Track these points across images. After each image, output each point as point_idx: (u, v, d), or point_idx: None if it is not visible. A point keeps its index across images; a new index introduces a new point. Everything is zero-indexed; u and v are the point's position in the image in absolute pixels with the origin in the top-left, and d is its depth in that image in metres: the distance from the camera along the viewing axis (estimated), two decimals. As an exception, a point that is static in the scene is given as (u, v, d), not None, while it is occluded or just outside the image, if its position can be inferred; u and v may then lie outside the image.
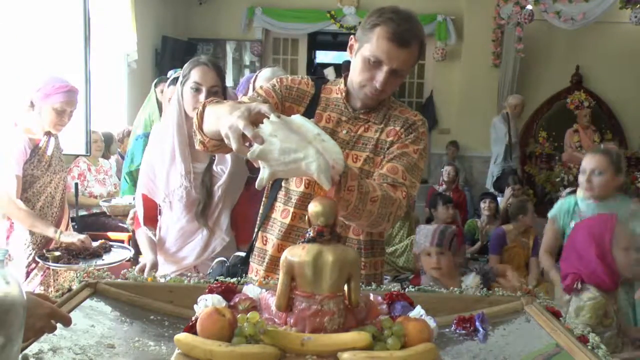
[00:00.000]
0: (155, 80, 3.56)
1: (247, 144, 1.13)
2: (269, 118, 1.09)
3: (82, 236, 2.58)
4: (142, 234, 2.15)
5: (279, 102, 1.57)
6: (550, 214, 2.84)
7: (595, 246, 2.16)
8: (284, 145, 1.04)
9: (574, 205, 2.71)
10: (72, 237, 2.57)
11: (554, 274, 2.74)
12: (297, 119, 1.10)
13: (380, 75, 1.48)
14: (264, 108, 1.13)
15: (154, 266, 2.06)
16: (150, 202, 2.14)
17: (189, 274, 1.66)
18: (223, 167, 2.09)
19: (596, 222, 2.31)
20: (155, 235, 2.14)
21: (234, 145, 1.12)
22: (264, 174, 1.07)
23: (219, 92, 2.04)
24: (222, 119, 1.17)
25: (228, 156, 2.09)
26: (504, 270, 3.66)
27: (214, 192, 2.08)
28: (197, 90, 2.02)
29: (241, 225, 2.20)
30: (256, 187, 1.10)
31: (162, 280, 1.41)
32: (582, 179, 2.64)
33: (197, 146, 1.48)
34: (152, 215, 2.16)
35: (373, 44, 1.46)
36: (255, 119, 1.13)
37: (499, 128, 6.38)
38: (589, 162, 2.63)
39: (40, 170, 2.61)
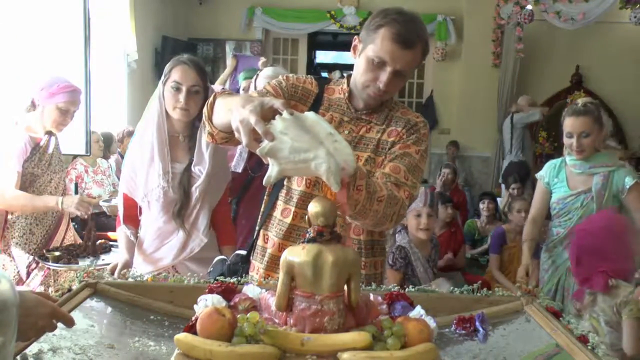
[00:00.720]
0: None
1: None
2: (281, 114, 1.08)
3: (85, 204, 2.50)
4: (121, 233, 2.15)
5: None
6: (537, 174, 2.83)
7: (612, 242, 2.17)
8: (294, 144, 1.03)
9: (561, 161, 2.71)
10: (73, 203, 2.49)
11: (525, 248, 2.69)
12: (311, 116, 1.08)
13: (384, 76, 1.48)
14: (277, 104, 1.12)
15: (126, 266, 2.05)
16: (130, 200, 2.14)
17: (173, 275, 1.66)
18: (201, 168, 2.08)
19: (600, 220, 2.32)
20: (133, 234, 2.14)
21: (244, 140, 1.11)
22: (272, 171, 1.06)
23: (199, 92, 2.04)
24: (234, 112, 1.15)
25: (207, 157, 2.08)
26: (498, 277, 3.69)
27: (191, 193, 2.07)
28: (177, 89, 2.01)
29: (223, 226, 2.20)
30: (264, 184, 1.09)
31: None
32: (569, 142, 2.60)
33: (206, 138, 1.48)
34: (132, 214, 2.16)
35: (377, 45, 1.46)
36: (267, 114, 1.11)
37: (506, 126, 6.53)
38: (574, 125, 2.58)
39: (41, 169, 2.61)
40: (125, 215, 2.15)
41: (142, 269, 2.03)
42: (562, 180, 2.66)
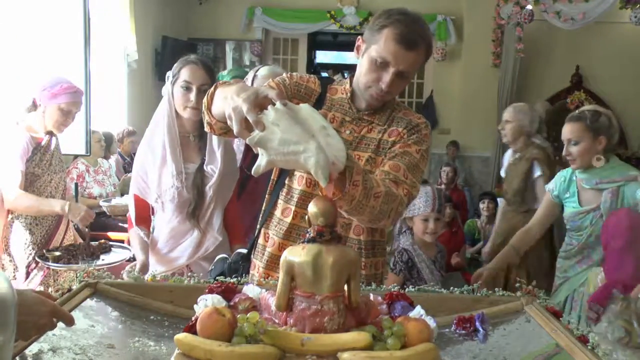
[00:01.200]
0: None
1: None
2: (274, 104, 1.08)
3: (89, 218, 2.56)
4: (134, 235, 2.15)
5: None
6: (546, 186, 2.68)
7: None
8: (284, 135, 1.02)
9: (571, 174, 2.54)
10: (79, 215, 2.54)
11: (500, 253, 2.57)
12: (305, 108, 1.07)
13: (387, 77, 1.48)
14: (272, 94, 1.11)
15: (144, 267, 2.06)
16: (142, 202, 2.14)
17: (187, 274, 1.66)
18: (214, 167, 2.09)
19: (626, 219, 2.20)
20: (146, 235, 2.14)
21: (235, 128, 1.11)
22: (261, 161, 1.06)
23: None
24: (228, 100, 1.15)
25: (219, 156, 2.09)
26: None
27: (205, 193, 2.08)
28: (188, 88, 2.02)
29: (233, 225, 2.20)
30: (252, 173, 1.08)
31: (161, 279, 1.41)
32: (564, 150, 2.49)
33: (205, 128, 1.48)
34: (144, 215, 2.16)
35: (380, 45, 1.46)
36: (261, 103, 1.11)
37: None
38: (564, 131, 2.46)
39: (41, 169, 2.62)
40: (137, 216, 2.15)
41: (156, 269, 2.05)
42: (573, 194, 2.51)
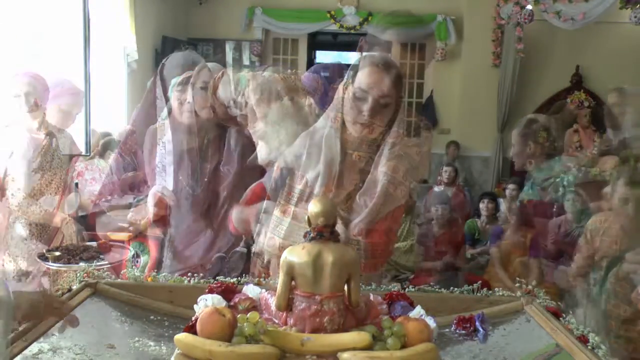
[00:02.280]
0: None
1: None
2: (282, 99, 1.08)
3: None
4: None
5: None
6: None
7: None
8: (287, 137, 1.05)
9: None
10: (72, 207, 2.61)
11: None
12: (308, 106, 1.08)
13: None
14: (280, 87, 1.12)
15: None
16: (161, 200, 2.15)
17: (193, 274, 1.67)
18: (230, 168, 2.10)
19: None
20: (164, 233, 2.16)
21: (238, 116, 1.12)
22: (260, 153, 1.07)
23: None
24: (236, 84, 1.16)
25: (236, 157, 2.10)
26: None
27: (219, 193, 2.09)
28: (205, 89, 2.04)
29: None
30: (247, 163, 1.10)
31: (162, 279, 1.41)
32: None
33: (207, 114, 1.48)
34: (163, 213, 2.16)
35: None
36: (268, 97, 1.12)
37: None
38: None
39: (42, 170, 2.62)
40: (155, 214, 2.16)
41: (172, 267, 2.07)
42: None
